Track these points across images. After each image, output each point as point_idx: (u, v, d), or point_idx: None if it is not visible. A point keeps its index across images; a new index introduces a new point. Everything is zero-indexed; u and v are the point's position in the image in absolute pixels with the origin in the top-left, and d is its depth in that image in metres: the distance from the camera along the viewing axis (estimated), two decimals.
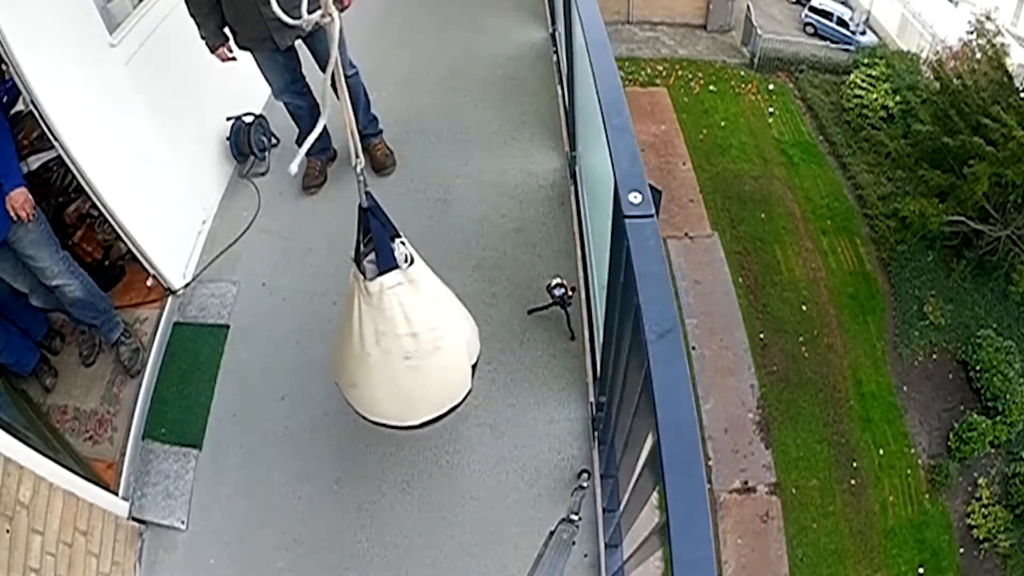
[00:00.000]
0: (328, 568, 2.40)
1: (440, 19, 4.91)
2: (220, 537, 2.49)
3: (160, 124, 3.09)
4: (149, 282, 3.12)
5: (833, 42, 16.67)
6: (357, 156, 1.84)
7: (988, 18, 12.98)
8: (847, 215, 13.62)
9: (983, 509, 10.70)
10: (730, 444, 10.93)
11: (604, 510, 2.36)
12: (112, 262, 3.31)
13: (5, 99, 2.61)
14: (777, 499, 10.59)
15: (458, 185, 3.56)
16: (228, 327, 3.05)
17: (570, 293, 2.78)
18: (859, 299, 12.55)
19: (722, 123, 15.16)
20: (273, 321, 3.05)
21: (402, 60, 4.46)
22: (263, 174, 3.69)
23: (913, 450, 11.23)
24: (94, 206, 2.82)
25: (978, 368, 11.54)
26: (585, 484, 2.41)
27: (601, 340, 2.30)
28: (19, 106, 2.67)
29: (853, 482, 10.84)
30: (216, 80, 3.31)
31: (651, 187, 1.39)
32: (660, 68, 16.26)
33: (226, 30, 2.95)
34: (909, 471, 11.04)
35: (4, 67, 2.46)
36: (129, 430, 2.72)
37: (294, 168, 1.71)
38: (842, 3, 17.38)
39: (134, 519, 2.52)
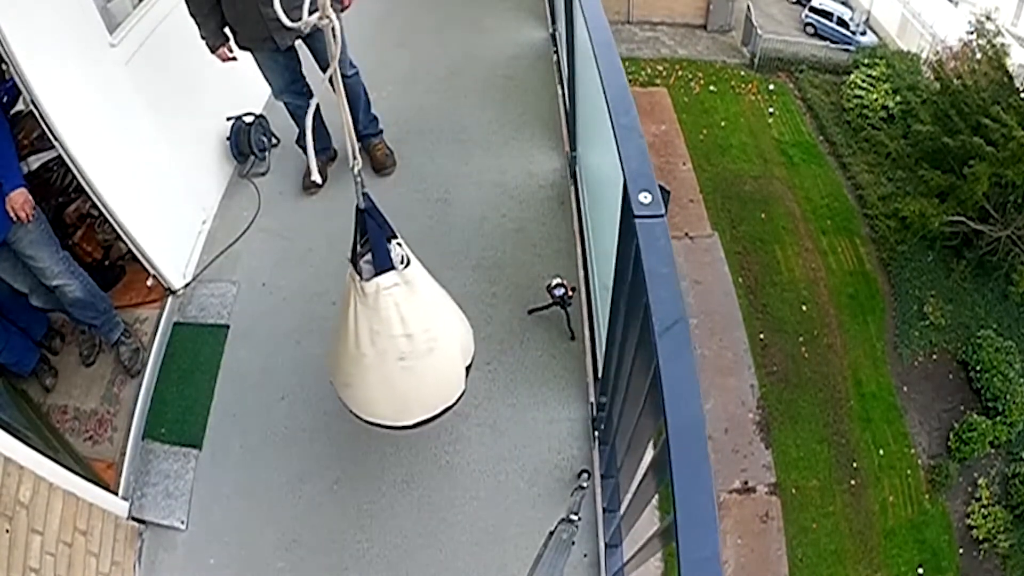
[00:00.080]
0: (328, 568, 2.40)
1: (440, 19, 4.91)
2: (220, 537, 2.49)
3: (160, 124, 3.09)
4: (149, 282, 3.11)
5: (833, 42, 16.67)
6: (355, 157, 1.85)
7: (988, 18, 12.97)
8: (847, 215, 13.61)
9: (983, 509, 10.70)
10: (730, 444, 10.93)
11: (604, 510, 2.36)
12: (112, 262, 3.31)
13: (5, 99, 2.60)
14: (777, 499, 10.59)
15: (458, 185, 3.56)
16: (228, 327, 3.05)
17: (570, 293, 2.78)
18: (859, 299, 12.55)
19: (722, 123, 15.15)
20: (273, 321, 3.05)
21: (402, 60, 4.46)
22: (263, 174, 3.69)
23: (913, 450, 11.23)
24: (94, 206, 2.82)
25: (978, 368, 11.54)
26: (585, 484, 2.41)
27: (603, 340, 2.29)
28: (19, 106, 2.67)
29: (853, 482, 10.83)
30: (216, 80, 3.31)
31: (660, 187, 1.39)
32: (660, 68, 16.26)
33: (226, 30, 2.95)
34: (909, 471, 11.04)
35: (4, 67, 2.45)
36: (129, 430, 2.72)
37: (316, 176, 1.85)
38: (842, 3, 17.38)
39: (134, 519, 2.52)
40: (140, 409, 2.79)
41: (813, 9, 17.38)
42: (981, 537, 10.57)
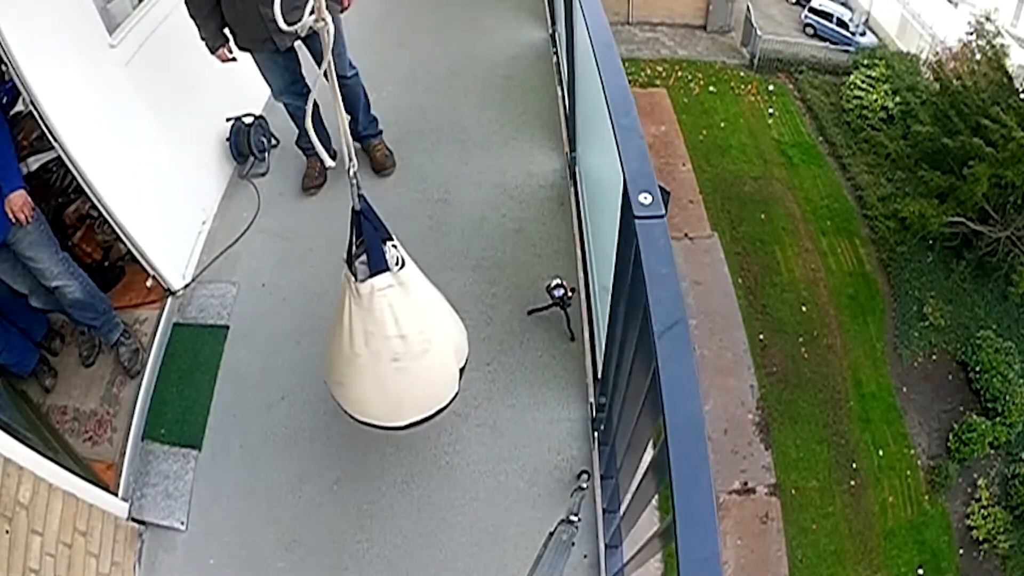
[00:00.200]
0: (328, 568, 2.40)
1: (440, 19, 4.91)
2: (220, 537, 2.49)
3: (160, 124, 3.09)
4: (149, 283, 3.11)
5: (833, 43, 16.68)
6: (350, 159, 1.86)
7: (988, 19, 12.98)
8: (847, 216, 13.62)
9: (983, 510, 10.70)
10: (730, 445, 10.93)
11: (604, 511, 2.36)
12: (112, 263, 3.31)
13: (5, 100, 2.60)
14: (777, 500, 10.59)
15: (458, 185, 3.56)
16: (228, 327, 3.05)
17: (570, 294, 2.78)
18: (859, 300, 12.55)
19: (722, 124, 15.16)
20: (273, 321, 3.05)
21: (402, 60, 4.46)
22: (263, 175, 3.69)
23: (913, 451, 11.23)
24: (94, 207, 2.82)
25: (978, 369, 11.54)
26: (585, 485, 2.41)
27: (603, 341, 2.30)
28: (19, 107, 2.66)
29: (853, 483, 10.83)
30: (216, 81, 3.31)
31: (660, 188, 1.39)
32: (660, 69, 16.27)
33: (226, 31, 2.95)
34: (909, 472, 11.04)
35: (4, 68, 2.45)
36: (129, 431, 2.72)
37: (327, 159, 1.89)
38: (842, 4, 17.40)
39: (134, 520, 2.52)
40: (140, 410, 2.79)
41: (813, 10, 17.39)
42: (981, 538, 10.57)
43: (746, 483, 10.69)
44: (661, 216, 1.36)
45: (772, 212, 13.63)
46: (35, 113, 2.42)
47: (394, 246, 2.00)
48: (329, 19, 1.61)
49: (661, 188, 1.39)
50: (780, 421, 11.21)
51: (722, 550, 9.94)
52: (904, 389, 11.73)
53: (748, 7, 16.62)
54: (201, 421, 2.77)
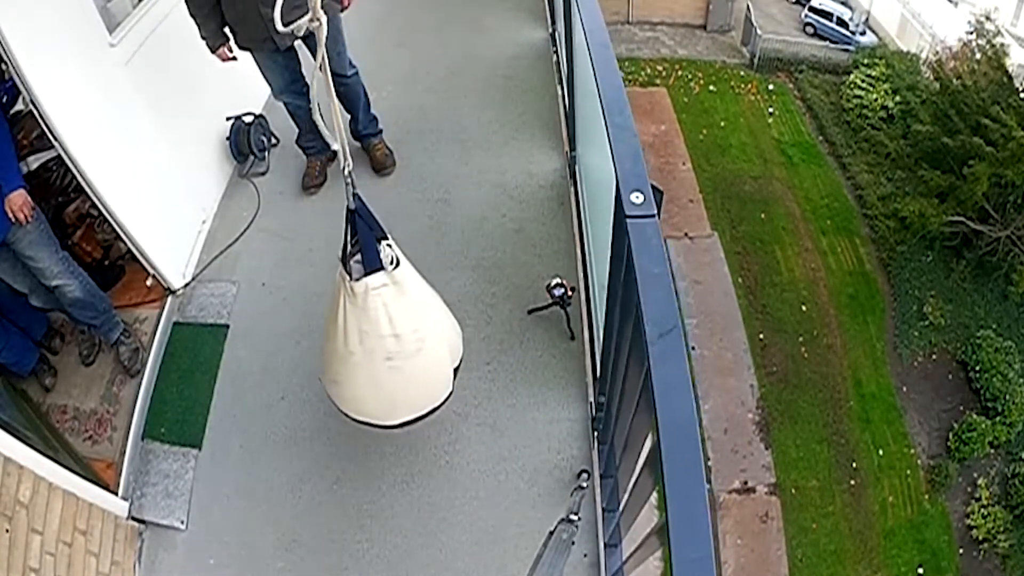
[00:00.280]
0: (328, 568, 2.40)
1: (440, 19, 4.91)
2: (220, 537, 2.49)
3: (160, 124, 3.09)
4: (149, 282, 3.11)
5: (833, 42, 16.68)
6: (345, 158, 1.87)
7: (988, 18, 12.98)
8: (847, 215, 13.62)
9: (983, 509, 10.71)
10: (730, 444, 10.93)
11: (604, 510, 2.36)
12: (112, 262, 3.31)
13: (5, 99, 2.60)
14: (777, 499, 10.60)
15: (458, 185, 3.56)
16: (228, 327, 3.05)
17: (570, 293, 2.78)
18: (859, 299, 12.55)
19: (722, 123, 15.16)
20: (273, 321, 3.05)
21: (402, 60, 4.46)
22: (263, 174, 3.69)
23: (913, 450, 11.24)
24: (94, 206, 2.82)
25: (978, 368, 11.55)
26: (585, 484, 2.41)
27: (601, 340, 2.30)
28: (19, 106, 2.67)
29: (853, 482, 10.84)
30: (216, 80, 3.31)
31: (652, 187, 1.39)
32: (660, 68, 16.27)
33: (226, 30, 2.95)
34: (909, 471, 11.04)
35: (4, 67, 2.45)
36: (129, 430, 2.72)
37: (337, 147, 1.84)
38: (842, 3, 17.39)
39: (134, 519, 2.52)
40: (140, 409, 2.79)
41: (813, 9, 17.39)
42: (981, 537, 10.57)
43: (746, 482, 10.70)
44: (653, 216, 1.36)
45: (772, 211, 13.63)
46: (35, 112, 2.42)
47: (389, 245, 2.01)
48: (324, 18, 1.61)
49: (654, 188, 1.39)
50: (780, 420, 11.21)
51: (722, 549, 10.00)
52: (904, 388, 11.73)
53: (748, 6, 16.62)
54: (201, 420, 2.77)
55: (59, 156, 2.60)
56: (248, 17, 2.82)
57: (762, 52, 16.16)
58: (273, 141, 3.81)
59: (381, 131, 3.62)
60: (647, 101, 15.10)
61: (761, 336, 11.99)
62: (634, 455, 1.67)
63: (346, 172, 1.88)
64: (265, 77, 3.19)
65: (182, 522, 2.52)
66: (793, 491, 10.67)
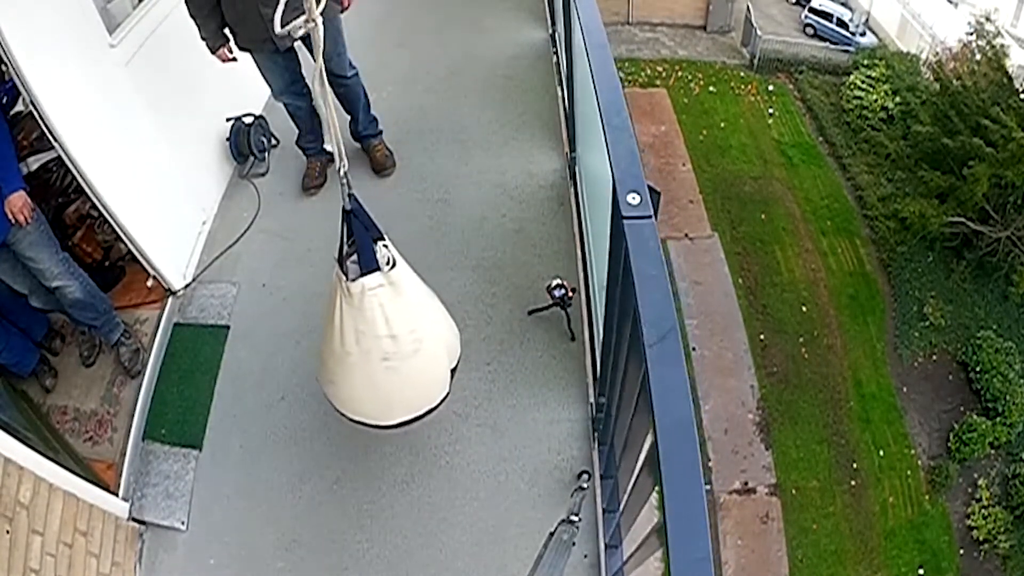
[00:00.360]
0: (328, 568, 2.40)
1: (440, 19, 4.91)
2: (220, 537, 2.49)
3: (160, 124, 3.09)
4: (149, 283, 3.11)
5: (833, 43, 16.68)
6: (341, 159, 1.87)
7: (988, 19, 12.99)
8: (847, 216, 13.63)
9: (983, 510, 10.70)
10: (730, 445, 10.93)
11: (604, 511, 2.36)
12: (112, 263, 3.31)
13: (5, 100, 2.60)
14: (777, 500, 10.59)
15: (458, 185, 3.56)
16: (228, 327, 3.05)
17: (570, 294, 2.78)
18: (859, 300, 12.55)
19: (722, 124, 15.17)
20: (273, 321, 3.05)
21: (402, 60, 4.47)
22: (263, 174, 3.69)
23: (913, 451, 11.23)
24: (94, 207, 2.82)
25: (978, 369, 11.55)
26: (585, 485, 2.40)
27: (601, 341, 2.30)
28: (19, 106, 2.67)
29: (853, 483, 10.84)
30: (216, 81, 3.31)
31: (650, 188, 1.39)
32: (660, 69, 16.27)
33: (226, 31, 2.95)
34: (909, 472, 11.04)
35: (4, 67, 2.45)
36: (129, 431, 2.72)
37: (338, 137, 1.83)
38: (842, 4, 17.40)
39: (134, 520, 2.52)
40: (140, 410, 2.79)
41: (813, 10, 17.40)
42: (981, 538, 10.57)
43: (746, 483, 10.69)
44: (649, 217, 1.36)
45: (772, 212, 13.63)
46: (35, 113, 2.42)
47: (385, 246, 2.00)
48: (320, 20, 1.61)
49: (651, 188, 1.38)
50: (780, 421, 11.21)
51: (722, 550, 10.00)
52: (904, 389, 11.73)
53: (748, 7, 16.62)
54: (201, 421, 2.77)
55: (59, 157, 2.60)
56: (248, 18, 2.82)
57: (762, 53, 16.16)
58: (273, 142, 3.81)
59: (381, 132, 3.62)
60: (647, 102, 15.10)
61: (761, 336, 11.99)
62: (634, 455, 1.67)
63: (341, 173, 1.88)
64: (265, 78, 3.20)
65: (182, 523, 2.52)
66: (793, 492, 10.67)
